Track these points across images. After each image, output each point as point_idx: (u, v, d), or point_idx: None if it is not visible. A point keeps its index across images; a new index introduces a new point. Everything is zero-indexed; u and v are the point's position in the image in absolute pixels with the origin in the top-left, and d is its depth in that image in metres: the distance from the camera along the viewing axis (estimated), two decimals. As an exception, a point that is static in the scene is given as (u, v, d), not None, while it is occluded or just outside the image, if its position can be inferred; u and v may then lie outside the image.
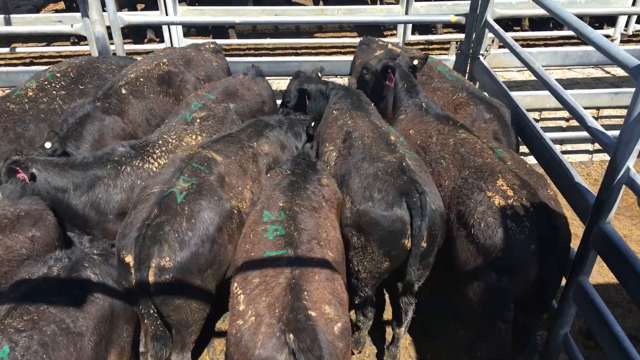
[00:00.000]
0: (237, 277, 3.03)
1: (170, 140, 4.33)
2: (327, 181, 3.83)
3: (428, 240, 3.53)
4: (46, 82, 5.03)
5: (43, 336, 2.77)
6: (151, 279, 3.17)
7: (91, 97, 4.86)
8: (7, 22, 8.02)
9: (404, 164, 3.71)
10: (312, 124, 4.76)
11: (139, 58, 5.70)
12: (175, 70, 5.18)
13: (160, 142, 4.29)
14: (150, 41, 9.26)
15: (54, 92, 5.00)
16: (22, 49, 8.63)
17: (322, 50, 9.28)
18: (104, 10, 5.85)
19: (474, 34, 5.97)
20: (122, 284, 3.27)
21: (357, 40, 9.08)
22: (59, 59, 8.79)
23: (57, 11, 10.64)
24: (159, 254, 3.18)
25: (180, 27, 8.08)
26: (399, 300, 3.83)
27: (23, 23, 8.04)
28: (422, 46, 9.12)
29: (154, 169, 4.10)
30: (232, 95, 4.85)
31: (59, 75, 5.11)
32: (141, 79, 5.00)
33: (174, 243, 3.23)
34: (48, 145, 4.09)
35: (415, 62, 5.14)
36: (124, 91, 4.85)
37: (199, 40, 8.78)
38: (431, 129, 4.39)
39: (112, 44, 5.84)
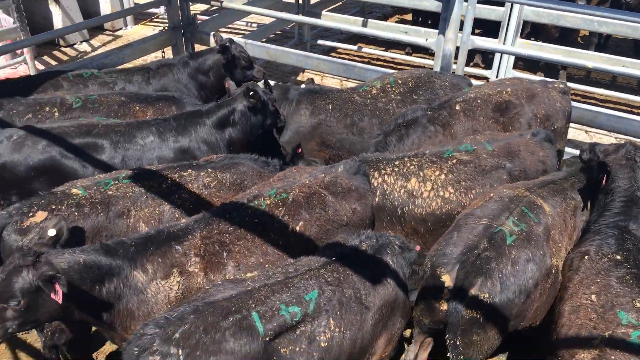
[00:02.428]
0: None
1: (410, 165, 4.23)
2: None
3: None
4: (388, 85, 5.63)
5: (342, 296, 3.13)
6: (465, 306, 3.21)
7: (427, 104, 5.21)
8: (364, 25, 9.32)
9: None
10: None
11: (473, 81, 5.89)
12: (515, 101, 5.06)
13: (397, 162, 4.27)
14: (475, 65, 9.52)
15: (392, 95, 5.56)
16: (365, 49, 9.92)
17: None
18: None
19: None
20: (429, 298, 3.42)
21: None
22: (392, 65, 9.81)
23: (402, 21, 11.85)
24: (481, 287, 3.21)
25: (512, 57, 8.06)
26: None
27: (375, 28, 9.19)
28: None
29: (375, 184, 4.16)
30: (512, 155, 4.39)
31: (400, 82, 5.64)
32: (478, 101, 5.08)
33: (497, 282, 3.23)
34: None
35: None
36: (457, 107, 5.04)
37: (523, 74, 8.63)
38: None
39: (454, 62, 6.17)
